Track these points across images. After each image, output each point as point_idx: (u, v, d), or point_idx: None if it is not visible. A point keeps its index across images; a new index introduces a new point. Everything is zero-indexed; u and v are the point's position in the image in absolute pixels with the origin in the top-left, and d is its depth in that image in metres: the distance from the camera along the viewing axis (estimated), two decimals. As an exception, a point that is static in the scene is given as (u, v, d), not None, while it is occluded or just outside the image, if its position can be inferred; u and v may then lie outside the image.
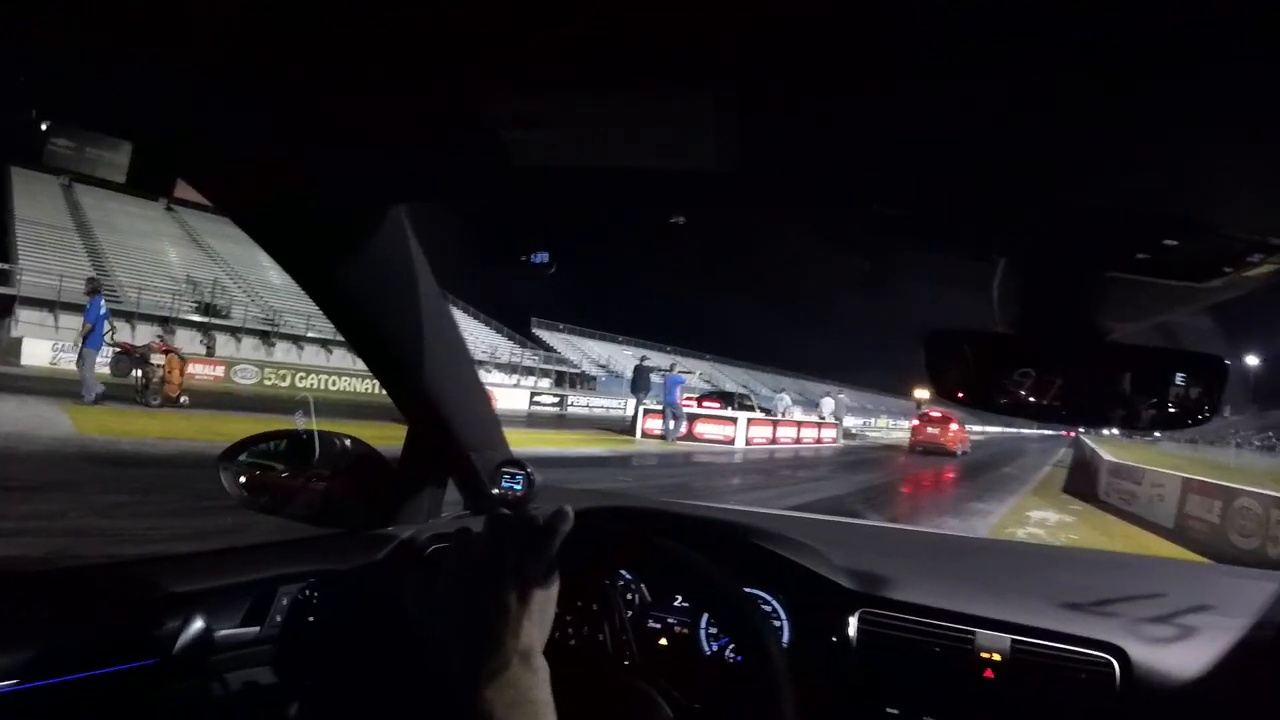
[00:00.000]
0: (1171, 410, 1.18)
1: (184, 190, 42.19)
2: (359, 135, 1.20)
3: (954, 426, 31.17)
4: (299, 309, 37.98)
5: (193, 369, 26.95)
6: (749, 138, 1.06)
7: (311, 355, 36.89)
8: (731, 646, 1.63)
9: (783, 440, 27.54)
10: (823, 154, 1.10)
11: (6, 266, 33.15)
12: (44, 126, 47.41)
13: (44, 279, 32.98)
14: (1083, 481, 21.88)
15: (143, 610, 1.54)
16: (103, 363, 17.47)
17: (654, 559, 1.41)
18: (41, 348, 28.51)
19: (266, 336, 37.83)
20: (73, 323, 28.91)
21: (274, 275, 38.02)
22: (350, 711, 1.69)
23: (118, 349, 18.95)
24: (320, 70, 1.01)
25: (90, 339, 15.89)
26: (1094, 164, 1.00)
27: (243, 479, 1.98)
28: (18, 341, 28.66)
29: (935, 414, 31.23)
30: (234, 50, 0.98)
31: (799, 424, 30.25)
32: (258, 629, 1.70)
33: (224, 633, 1.63)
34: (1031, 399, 1.21)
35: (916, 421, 31.90)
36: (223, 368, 32.17)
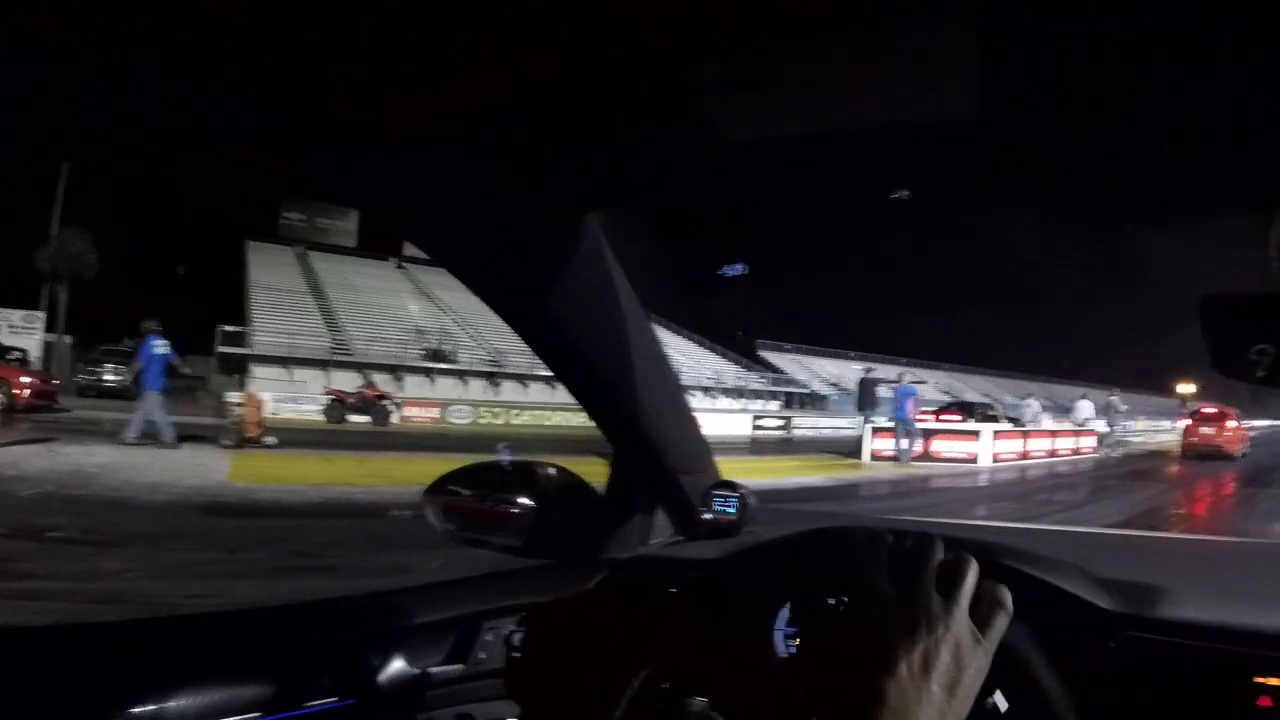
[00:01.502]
0: None
1: (411, 249, 44.05)
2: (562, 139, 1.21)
3: (1231, 424, 26.10)
4: (523, 348, 38.39)
5: (410, 410, 28.94)
6: (993, 79, 0.97)
7: (536, 393, 37.06)
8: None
9: (1034, 454, 24.47)
10: (1082, 92, 1.02)
11: (242, 329, 35.25)
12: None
13: (277, 338, 35.45)
14: None
15: (343, 648, 1.61)
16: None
17: None
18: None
19: (491, 377, 38.95)
20: (305, 376, 31.58)
21: (499, 319, 39.59)
22: None
23: (331, 396, 19.65)
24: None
25: (146, 380, 15.58)
26: None
27: (449, 512, 2.00)
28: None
29: (1209, 410, 26.67)
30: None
31: (1053, 434, 26.95)
32: (462, 666, 1.75)
33: (426, 670, 1.68)
34: (1263, 355, 1.11)
35: (1189, 421, 27.12)
36: (438, 409, 33.15)
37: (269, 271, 43.59)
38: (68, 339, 31.09)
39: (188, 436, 15.18)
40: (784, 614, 1.59)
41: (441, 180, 1.31)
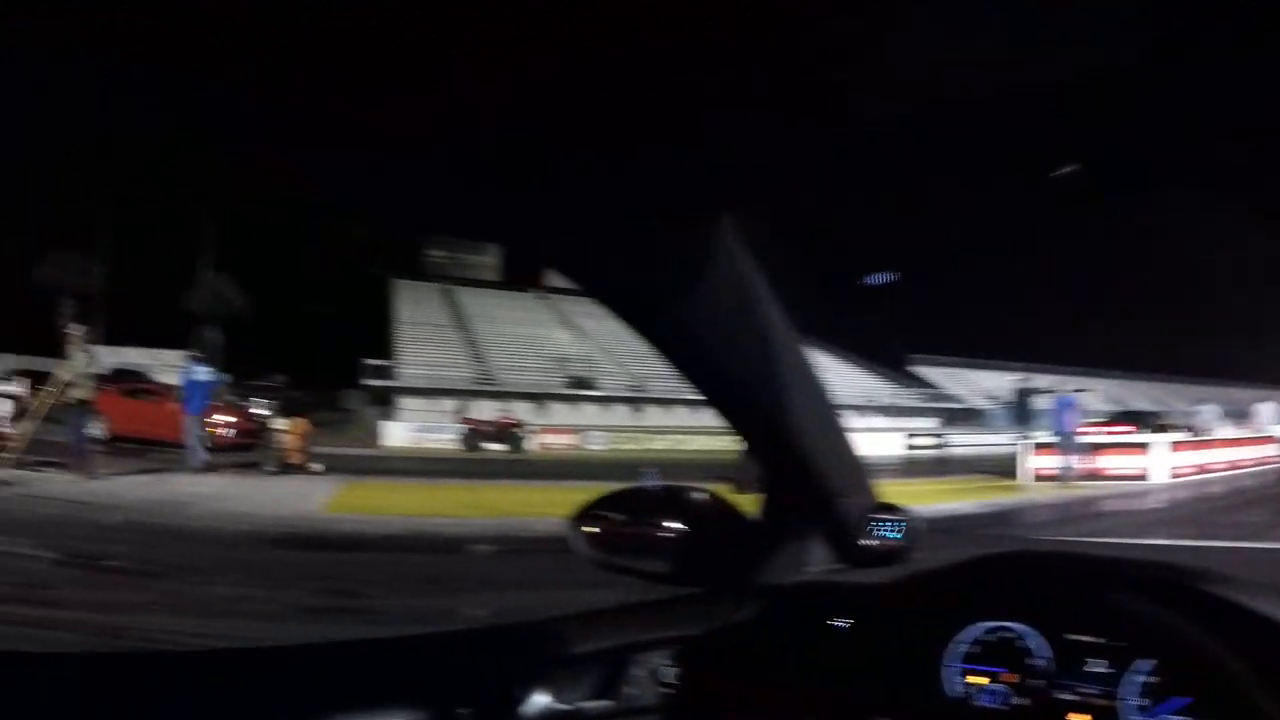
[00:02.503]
0: None
1: (553, 279, 44.85)
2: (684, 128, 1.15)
3: None
4: (665, 373, 39.52)
5: (546, 437, 30.72)
6: (1165, 20, 0.90)
7: (679, 417, 37.02)
8: None
9: (1214, 466, 22.22)
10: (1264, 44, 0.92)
11: (388, 363, 36.64)
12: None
13: (422, 370, 36.59)
14: None
15: (488, 679, 1.60)
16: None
17: (1081, 607, 1.49)
18: (402, 429, 30.72)
19: (633, 402, 39.42)
20: (449, 406, 32.50)
21: (640, 344, 41.51)
22: None
23: (468, 426, 19.81)
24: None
25: (189, 405, 16.49)
26: None
27: (595, 538, 2.01)
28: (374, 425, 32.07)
29: None
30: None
31: (1233, 442, 24.59)
32: (610, 703, 1.72)
33: (572, 707, 1.65)
34: None
35: None
36: (573, 435, 33.51)
37: (414, 308, 45.10)
38: (226, 377, 32.26)
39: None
40: (957, 649, 1.57)
41: (563, 194, 1.27)
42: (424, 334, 42.02)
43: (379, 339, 39.54)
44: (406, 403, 34.69)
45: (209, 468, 15.47)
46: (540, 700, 1.60)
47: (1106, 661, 1.46)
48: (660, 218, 1.40)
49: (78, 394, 13.74)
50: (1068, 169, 1.36)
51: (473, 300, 49.35)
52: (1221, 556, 2.18)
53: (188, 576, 6.93)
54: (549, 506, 11.54)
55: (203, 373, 17.07)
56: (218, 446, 17.89)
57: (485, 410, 31.41)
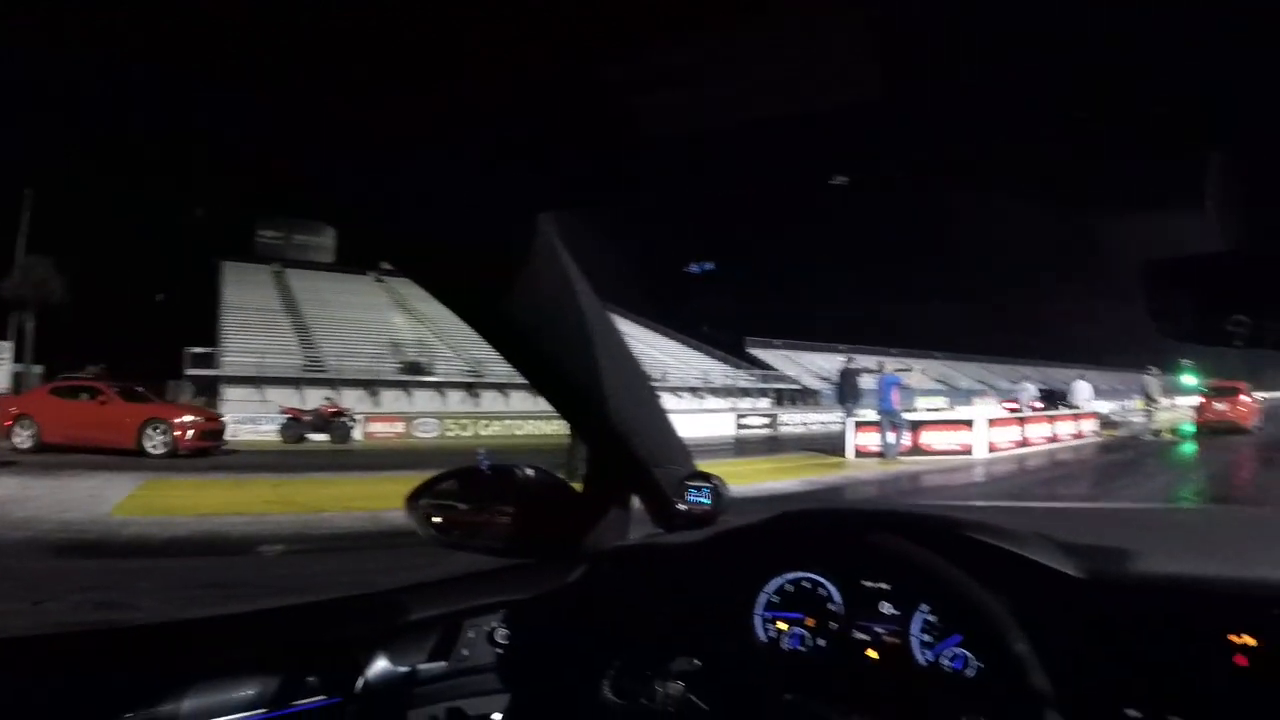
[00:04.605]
0: None
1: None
2: (511, 143, 1.24)
3: (1245, 399, 27.15)
4: (501, 358, 39.77)
5: (374, 426, 29.50)
6: (898, 60, 1.02)
7: (517, 402, 36.57)
8: (950, 654, 1.58)
9: (1033, 441, 23.23)
10: (988, 52, 1.03)
11: (211, 351, 34.96)
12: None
13: (248, 358, 35.31)
14: None
15: (327, 649, 1.68)
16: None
17: (866, 556, 1.67)
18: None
19: (470, 388, 38.79)
20: (276, 396, 31.36)
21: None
22: None
23: (288, 415, 18.99)
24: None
25: None
26: None
27: (431, 517, 2.09)
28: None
29: (1222, 385, 27.56)
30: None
31: (1051, 418, 25.79)
32: (445, 663, 1.84)
33: (409, 668, 1.77)
34: (1240, 326, 1.13)
35: (1202, 398, 27.99)
36: (402, 424, 32.07)
37: (243, 291, 43.44)
38: (37, 368, 30.29)
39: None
40: (763, 599, 1.77)
41: (395, 184, 1.31)
42: (252, 319, 40.48)
43: (205, 325, 37.72)
44: (231, 393, 33.00)
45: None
46: (381, 664, 1.72)
47: (894, 605, 1.66)
48: (486, 213, 1.47)
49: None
50: (840, 179, 1.48)
51: (305, 283, 47.70)
52: (1011, 513, 2.21)
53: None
54: (358, 500, 11.07)
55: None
56: (180, 452, 17.15)
57: (313, 399, 30.22)
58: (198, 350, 34.22)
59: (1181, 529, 2.38)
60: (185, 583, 7.33)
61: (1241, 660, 1.33)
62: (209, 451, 18.39)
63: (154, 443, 18.02)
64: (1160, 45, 0.95)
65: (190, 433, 18.57)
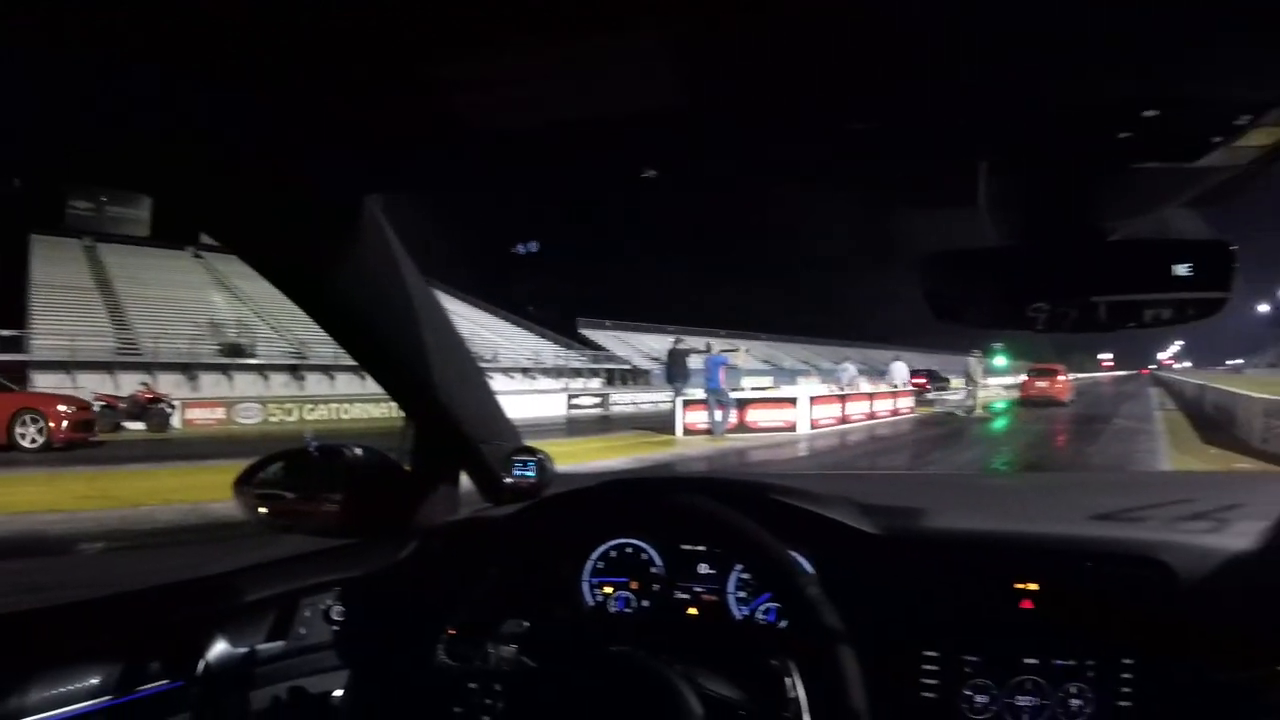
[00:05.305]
0: (1185, 301, 1.22)
1: (210, 237, 44.18)
2: (335, 127, 1.26)
3: (1061, 378, 33.64)
4: (327, 339, 38.18)
5: (192, 413, 28.02)
6: (702, 67, 1.08)
7: (343, 385, 35.71)
8: (764, 608, 1.76)
9: (853, 418, 24.43)
10: (784, 67, 1.09)
11: (19, 333, 32.64)
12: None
13: (59, 341, 32.66)
14: (1222, 429, 19.47)
15: (164, 634, 1.67)
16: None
17: (680, 520, 1.73)
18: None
19: (294, 370, 37.51)
20: (89, 381, 29.09)
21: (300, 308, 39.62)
22: (383, 713, 1.85)
23: (102, 403, 18.02)
24: (296, 60, 1.05)
25: None
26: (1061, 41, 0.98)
27: (258, 501, 2.05)
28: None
29: (1043, 367, 34.36)
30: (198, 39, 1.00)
31: (870, 396, 27.24)
32: (283, 643, 1.84)
33: (248, 649, 1.76)
34: (1039, 311, 1.26)
35: (1026, 377, 34.80)
36: (223, 409, 30.61)
37: (52, 268, 40.68)
38: None
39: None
40: (590, 565, 1.91)
41: (224, 165, 1.32)
42: (63, 298, 37.93)
43: (13, 306, 34.91)
44: (40, 380, 30.12)
45: None
46: (220, 646, 1.70)
47: (711, 565, 1.81)
48: (315, 194, 1.50)
49: None
50: (650, 172, 1.51)
51: (119, 259, 44.66)
52: (820, 480, 2.62)
53: None
54: (180, 491, 10.66)
55: None
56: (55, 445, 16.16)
57: (128, 385, 28.61)
58: (4, 333, 31.81)
59: (978, 491, 2.65)
60: (1, 588, 6.93)
61: (1027, 604, 1.54)
62: (82, 444, 17.31)
63: (28, 437, 16.99)
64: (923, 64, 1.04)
65: (66, 424, 17.51)
